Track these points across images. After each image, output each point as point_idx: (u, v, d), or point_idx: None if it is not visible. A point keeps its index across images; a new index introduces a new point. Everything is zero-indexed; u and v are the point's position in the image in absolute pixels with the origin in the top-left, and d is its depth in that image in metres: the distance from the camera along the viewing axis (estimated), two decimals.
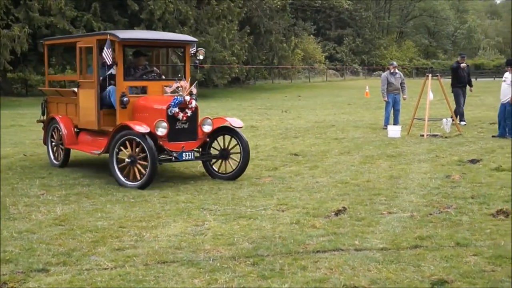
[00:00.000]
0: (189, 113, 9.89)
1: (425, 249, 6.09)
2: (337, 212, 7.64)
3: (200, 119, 10.24)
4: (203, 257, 5.91)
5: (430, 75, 16.58)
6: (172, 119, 9.77)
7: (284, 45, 50.17)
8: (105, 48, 9.84)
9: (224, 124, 10.43)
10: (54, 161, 11.75)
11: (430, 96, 16.59)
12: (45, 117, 12.35)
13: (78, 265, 5.71)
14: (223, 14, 39.61)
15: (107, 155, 10.05)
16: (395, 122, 17.65)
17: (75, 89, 11.18)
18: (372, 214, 7.60)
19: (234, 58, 40.50)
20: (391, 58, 67.34)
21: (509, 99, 14.84)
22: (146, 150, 9.33)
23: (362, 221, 7.28)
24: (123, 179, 9.64)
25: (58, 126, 11.42)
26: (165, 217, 7.62)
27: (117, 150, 9.73)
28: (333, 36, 72.07)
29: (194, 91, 10.03)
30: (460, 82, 18.51)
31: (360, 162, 11.92)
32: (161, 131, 9.57)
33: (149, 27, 34.60)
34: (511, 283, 5.03)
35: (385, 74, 18.23)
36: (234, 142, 10.45)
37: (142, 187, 9.38)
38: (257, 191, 9.26)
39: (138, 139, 9.45)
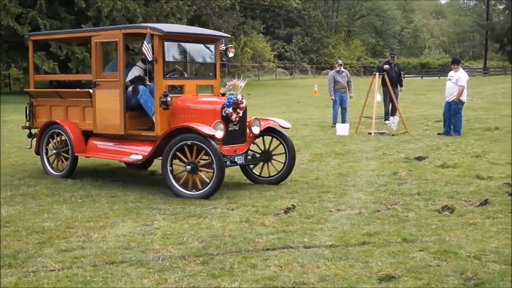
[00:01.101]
0: (240, 113, 9.26)
1: (373, 246, 6.18)
2: (286, 210, 7.68)
3: (248, 119, 9.61)
4: (152, 257, 5.86)
5: (377, 73, 16.81)
6: (225, 120, 9.02)
7: (234, 43, 50.16)
8: (145, 42, 8.88)
9: (272, 125, 9.79)
10: (53, 171, 10.48)
11: (378, 98, 16.81)
12: (30, 122, 11.06)
13: (24, 267, 5.59)
14: (171, 12, 39.32)
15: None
16: (343, 120, 17.85)
17: (90, 90, 9.91)
18: (321, 212, 7.67)
19: None
20: (339, 57, 68.07)
21: (455, 97, 15.16)
22: (212, 155, 8.49)
23: (311, 218, 7.33)
24: (182, 189, 8.70)
25: (62, 132, 10.21)
26: (113, 217, 7.53)
27: (171, 156, 8.76)
28: (282, 35, 72.40)
29: (242, 84, 9.33)
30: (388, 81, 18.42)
31: (309, 160, 12.02)
32: (219, 133, 8.74)
33: (96, 25, 34.03)
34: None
35: (331, 72, 18.40)
36: (274, 143, 9.94)
37: (207, 196, 8.54)
38: None
39: (200, 143, 8.57)
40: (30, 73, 11.55)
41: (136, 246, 6.25)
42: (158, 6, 38.60)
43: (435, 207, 7.75)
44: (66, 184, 9.69)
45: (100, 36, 9.80)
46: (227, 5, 47.54)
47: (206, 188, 8.57)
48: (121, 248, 6.17)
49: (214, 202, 8.29)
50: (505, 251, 5.87)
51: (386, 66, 18.28)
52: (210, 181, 8.56)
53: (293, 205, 7.91)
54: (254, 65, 60.90)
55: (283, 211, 7.67)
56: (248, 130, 9.56)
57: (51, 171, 10.49)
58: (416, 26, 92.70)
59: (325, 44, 76.27)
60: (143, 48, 8.91)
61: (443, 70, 65.25)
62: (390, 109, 18.35)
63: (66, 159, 10.28)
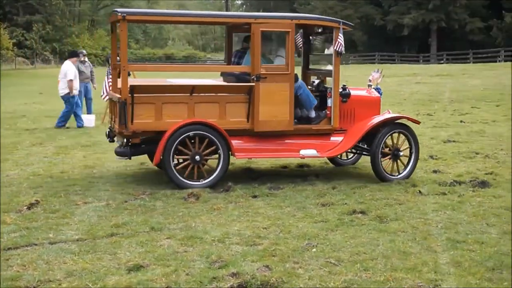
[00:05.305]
0: None
1: (121, 236, 6.19)
2: (30, 206, 7.35)
3: None
4: None
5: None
6: None
7: None
8: (341, 36, 9.02)
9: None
10: (189, 181, 8.42)
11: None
12: (125, 126, 8.40)
13: None
14: None
15: None
16: (88, 111, 17.43)
17: (252, 84, 8.74)
18: (67, 206, 7.48)
19: None
20: (83, 46, 66.45)
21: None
22: (414, 144, 9.16)
23: (57, 213, 7.12)
24: (388, 175, 9.07)
25: (206, 134, 8.43)
26: None
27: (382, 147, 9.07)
28: (21, 22, 68.70)
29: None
30: None
31: (54, 153, 11.60)
32: None
33: None
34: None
35: None
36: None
37: (407, 177, 9.16)
38: None
39: (407, 133, 9.19)
40: (122, 62, 8.56)
41: None
42: None
43: (182, 195, 7.96)
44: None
45: (267, 24, 8.99)
46: None
47: (406, 171, 9.16)
48: None
49: None
50: (246, 233, 6.27)
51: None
52: (407, 166, 9.20)
53: (37, 200, 7.59)
54: None
55: (26, 207, 7.32)
56: None
57: (188, 181, 8.46)
58: None
59: (69, 33, 74.07)
60: (340, 41, 9.00)
61: (187, 61, 67.27)
62: None
63: (203, 165, 8.59)
